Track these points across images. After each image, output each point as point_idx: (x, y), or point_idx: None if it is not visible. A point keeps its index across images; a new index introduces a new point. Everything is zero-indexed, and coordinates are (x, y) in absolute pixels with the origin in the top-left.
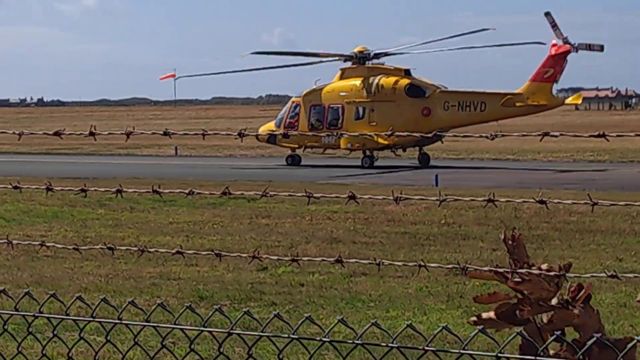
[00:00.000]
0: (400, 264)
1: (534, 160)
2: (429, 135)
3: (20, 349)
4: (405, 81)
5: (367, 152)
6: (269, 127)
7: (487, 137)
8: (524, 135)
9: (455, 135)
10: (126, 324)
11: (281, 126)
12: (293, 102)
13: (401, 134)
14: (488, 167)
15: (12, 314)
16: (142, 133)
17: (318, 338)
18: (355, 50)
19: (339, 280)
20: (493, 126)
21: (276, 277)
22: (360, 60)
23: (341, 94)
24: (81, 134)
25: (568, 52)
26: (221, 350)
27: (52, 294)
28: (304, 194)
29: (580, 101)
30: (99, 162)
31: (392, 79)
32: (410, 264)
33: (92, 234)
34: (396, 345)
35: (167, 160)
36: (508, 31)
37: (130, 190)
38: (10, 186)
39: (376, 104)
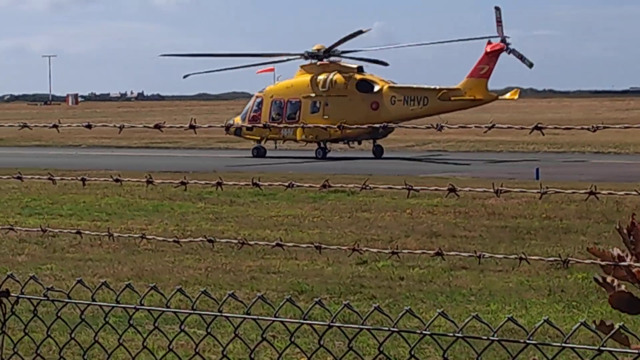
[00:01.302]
0: (500, 256)
1: (636, 154)
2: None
3: (121, 341)
4: (356, 77)
5: (321, 144)
6: (236, 120)
7: (588, 129)
8: (626, 128)
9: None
10: (226, 317)
11: (246, 120)
12: (257, 97)
13: (350, 126)
14: (582, 161)
15: (113, 307)
16: (242, 126)
17: (419, 331)
18: (314, 48)
19: (438, 274)
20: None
21: (376, 270)
22: (318, 58)
23: (299, 89)
24: (181, 127)
25: (501, 50)
26: (321, 343)
27: (152, 286)
28: (405, 187)
29: (517, 97)
30: (197, 156)
31: (345, 75)
32: (511, 256)
33: (192, 228)
34: (497, 339)
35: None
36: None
37: (230, 183)
38: (111, 179)
39: (330, 98)
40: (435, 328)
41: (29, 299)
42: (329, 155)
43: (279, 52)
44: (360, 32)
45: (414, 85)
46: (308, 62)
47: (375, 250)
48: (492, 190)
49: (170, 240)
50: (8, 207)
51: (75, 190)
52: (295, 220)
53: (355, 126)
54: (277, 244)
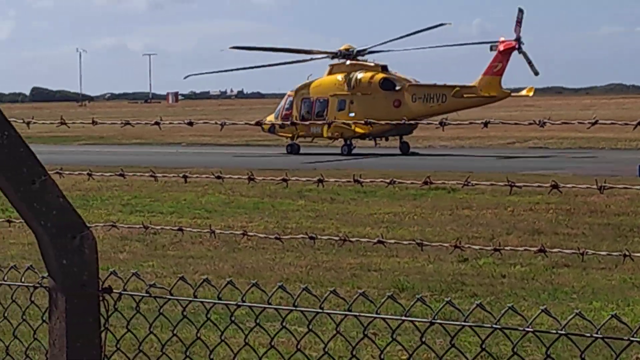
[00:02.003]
0: (604, 254)
1: None
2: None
3: (223, 337)
4: (380, 76)
5: (347, 141)
6: (270, 118)
7: None
8: None
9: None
10: (328, 314)
11: (278, 118)
12: (289, 95)
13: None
14: None
15: (215, 303)
16: (343, 123)
17: (521, 328)
18: (342, 48)
19: (540, 271)
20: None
21: (477, 268)
22: (346, 57)
23: (327, 87)
24: (349, 123)
25: (513, 48)
26: (423, 339)
27: (254, 283)
28: (506, 184)
29: (532, 93)
30: (361, 153)
31: (369, 74)
32: (615, 254)
33: (293, 225)
34: (601, 336)
35: (364, 150)
36: None
37: (331, 180)
38: (212, 176)
39: (355, 96)
40: (537, 326)
41: (131, 295)
42: (354, 152)
43: (311, 50)
44: (442, 24)
45: (433, 83)
46: (337, 61)
47: (477, 247)
48: (595, 187)
49: (272, 237)
50: (109, 204)
51: (175, 188)
52: (395, 217)
53: (384, 122)
54: (379, 241)
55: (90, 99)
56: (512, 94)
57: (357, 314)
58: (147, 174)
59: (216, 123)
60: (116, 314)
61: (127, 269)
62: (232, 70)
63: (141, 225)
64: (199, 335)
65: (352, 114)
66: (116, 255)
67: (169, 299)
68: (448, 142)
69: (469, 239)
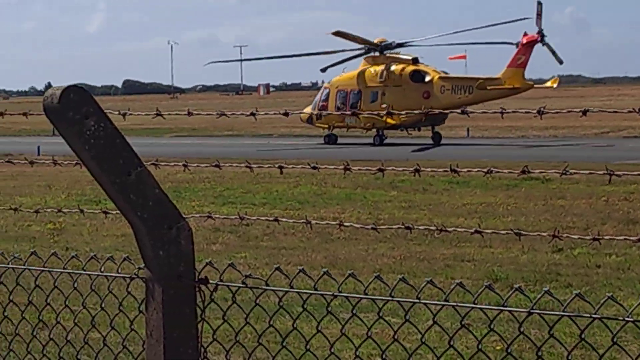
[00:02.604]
0: None
1: None
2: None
3: (319, 328)
4: (410, 68)
5: (379, 131)
6: (308, 109)
7: None
8: None
9: None
10: (425, 304)
11: (315, 109)
12: (325, 87)
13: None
14: None
15: (311, 294)
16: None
17: (621, 318)
18: (376, 41)
19: (636, 261)
20: None
21: (572, 258)
22: (380, 50)
23: (360, 80)
24: (378, 114)
25: (536, 41)
26: (521, 330)
27: (350, 273)
28: (605, 172)
29: (556, 84)
30: (393, 143)
31: (400, 66)
32: None
33: (385, 216)
34: None
35: (457, 141)
36: None
37: (427, 169)
38: (308, 167)
39: (387, 88)
40: (636, 316)
41: (227, 286)
42: (385, 141)
43: (339, 50)
44: (525, 18)
45: (461, 75)
46: (371, 54)
47: (575, 237)
48: None
49: (368, 227)
50: (202, 196)
51: (268, 179)
52: (489, 207)
53: (413, 110)
54: (476, 231)
55: (182, 91)
56: (535, 85)
57: (455, 304)
58: (242, 165)
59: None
60: (212, 305)
61: (220, 260)
62: (256, 59)
63: (236, 216)
64: (295, 325)
65: (384, 105)
66: (209, 246)
67: (265, 290)
68: (541, 132)
69: (563, 229)
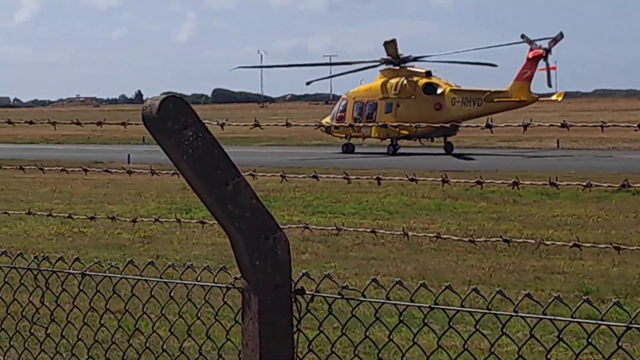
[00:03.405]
0: None
1: None
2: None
3: (415, 339)
4: (423, 81)
5: (393, 141)
6: (326, 120)
7: None
8: None
9: None
10: (522, 317)
11: (333, 119)
12: (343, 98)
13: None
14: None
15: (407, 305)
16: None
17: None
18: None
19: None
20: None
21: None
22: (394, 64)
23: (376, 91)
24: (478, 126)
25: (541, 56)
26: (619, 344)
27: (447, 285)
28: None
29: (561, 98)
30: (481, 154)
31: (413, 79)
32: None
33: (475, 227)
34: None
35: (547, 152)
36: None
37: (527, 183)
38: (406, 178)
39: (400, 100)
40: None
41: (323, 297)
42: (399, 151)
43: (356, 61)
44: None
45: (470, 88)
46: (386, 67)
47: None
48: None
49: (466, 239)
50: (292, 205)
51: (357, 189)
52: (579, 220)
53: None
54: (575, 245)
55: (271, 100)
56: (540, 99)
57: (552, 317)
58: (339, 176)
59: (411, 125)
60: (308, 315)
61: (310, 269)
62: (276, 66)
63: (333, 227)
64: (390, 337)
65: (398, 117)
66: (299, 256)
67: (362, 301)
68: (631, 144)
69: None
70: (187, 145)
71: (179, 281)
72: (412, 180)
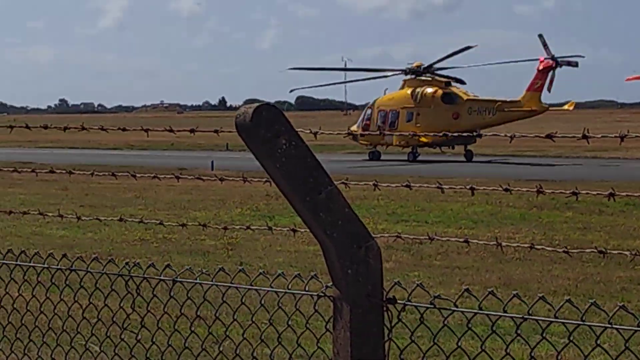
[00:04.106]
0: None
1: None
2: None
3: (483, 347)
4: (442, 91)
5: (413, 149)
6: (354, 128)
7: None
8: None
9: None
10: (616, 329)
11: (359, 127)
12: (368, 107)
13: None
14: None
15: (500, 316)
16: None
17: None
18: (414, 65)
19: None
20: None
21: None
22: (416, 74)
23: (398, 101)
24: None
25: (551, 67)
26: None
27: (515, 294)
28: None
29: (572, 108)
30: (563, 164)
31: (433, 89)
32: None
33: (560, 237)
34: None
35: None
36: None
37: (623, 194)
38: (500, 188)
39: (420, 109)
40: None
41: (415, 306)
42: (418, 158)
43: (386, 68)
44: (468, 47)
45: (486, 98)
46: (409, 77)
47: None
48: None
49: (560, 250)
50: (375, 213)
51: (442, 198)
52: None
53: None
54: None
55: (355, 107)
56: (551, 108)
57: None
58: (433, 186)
59: (506, 135)
60: (400, 325)
61: (393, 278)
62: (332, 69)
63: (425, 236)
64: (483, 347)
65: (418, 125)
66: (382, 264)
67: (454, 311)
68: None
69: None
70: (280, 153)
71: (269, 289)
72: (506, 190)
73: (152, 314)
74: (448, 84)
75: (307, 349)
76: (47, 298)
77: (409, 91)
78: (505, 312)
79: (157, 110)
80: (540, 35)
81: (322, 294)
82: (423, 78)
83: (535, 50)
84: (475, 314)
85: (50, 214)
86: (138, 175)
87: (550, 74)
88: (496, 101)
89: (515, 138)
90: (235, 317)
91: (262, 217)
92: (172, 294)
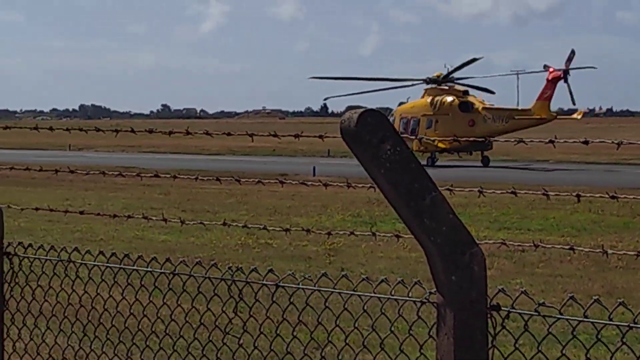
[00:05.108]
0: None
1: None
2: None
3: (588, 355)
4: (459, 99)
5: (432, 154)
6: None
7: None
8: None
9: None
10: None
11: None
12: (392, 114)
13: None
14: None
15: (605, 324)
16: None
17: None
18: (434, 75)
19: None
20: None
21: None
22: (436, 83)
23: (419, 109)
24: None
25: (559, 78)
26: None
27: (620, 302)
28: None
29: (581, 116)
30: (445, 165)
31: (451, 98)
32: None
33: None
34: None
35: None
36: None
37: None
38: (607, 196)
39: (439, 116)
40: None
41: (519, 314)
42: (437, 164)
43: (404, 78)
44: (474, 59)
45: (499, 106)
46: (429, 86)
47: None
48: None
49: None
50: (477, 221)
51: (544, 205)
52: None
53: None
54: None
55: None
56: (560, 117)
57: None
58: (538, 192)
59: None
60: (502, 331)
61: (494, 285)
62: (354, 78)
63: (531, 243)
64: (588, 355)
65: (437, 132)
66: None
67: (558, 319)
68: None
69: None
70: (385, 158)
71: (372, 294)
72: (612, 197)
73: (254, 319)
74: (466, 93)
75: (409, 355)
76: (150, 302)
77: (428, 99)
78: (610, 320)
79: (260, 116)
80: (572, 51)
81: (426, 300)
82: (443, 87)
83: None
84: (580, 321)
85: (154, 218)
86: (242, 180)
87: (565, 84)
88: (508, 109)
89: (591, 143)
90: (337, 322)
91: (364, 223)
92: (274, 298)
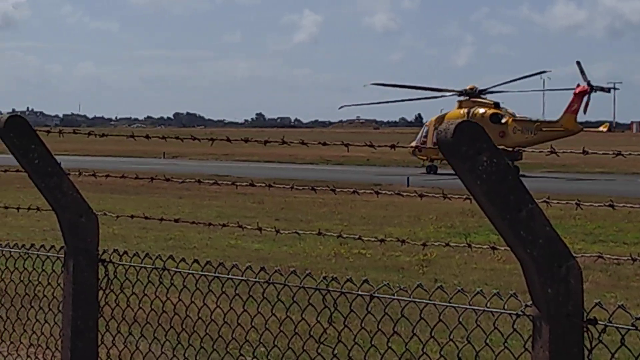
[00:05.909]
0: None
1: None
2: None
3: None
4: (490, 111)
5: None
6: (413, 144)
7: None
8: None
9: None
10: None
11: (417, 144)
12: (425, 125)
13: None
14: None
15: None
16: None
17: None
18: (467, 87)
19: None
20: None
21: None
22: (469, 95)
23: (451, 119)
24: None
25: (586, 92)
26: None
27: None
28: None
29: (606, 129)
30: None
31: (483, 109)
32: None
33: None
34: None
35: None
36: None
37: None
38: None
39: None
40: None
41: (616, 327)
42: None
43: (443, 88)
44: (544, 72)
45: (528, 118)
46: (462, 98)
47: None
48: None
49: None
50: (572, 233)
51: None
52: None
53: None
54: None
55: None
56: (586, 129)
57: None
58: (637, 206)
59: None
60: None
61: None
62: (377, 103)
63: (628, 257)
64: None
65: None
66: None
67: None
68: None
69: None
70: (481, 170)
71: (467, 306)
72: None
73: (348, 329)
74: (497, 105)
75: None
76: (245, 310)
77: (462, 111)
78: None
79: (354, 125)
80: (578, 62)
81: (521, 313)
82: (477, 99)
83: None
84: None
85: (248, 227)
86: (337, 190)
87: (585, 98)
88: (536, 121)
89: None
90: (432, 334)
91: (458, 234)
92: (369, 309)
